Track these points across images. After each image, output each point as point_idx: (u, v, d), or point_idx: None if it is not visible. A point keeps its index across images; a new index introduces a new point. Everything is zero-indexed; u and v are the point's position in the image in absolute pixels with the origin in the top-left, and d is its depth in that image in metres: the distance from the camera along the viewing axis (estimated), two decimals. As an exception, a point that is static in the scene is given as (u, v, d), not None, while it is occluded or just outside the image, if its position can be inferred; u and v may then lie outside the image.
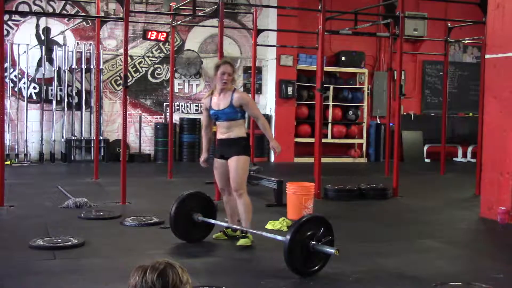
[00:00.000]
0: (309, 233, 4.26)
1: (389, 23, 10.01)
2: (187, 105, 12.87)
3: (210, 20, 10.63)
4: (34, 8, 11.70)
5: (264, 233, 4.88)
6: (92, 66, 11.80)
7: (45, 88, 11.76)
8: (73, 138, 11.76)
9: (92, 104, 11.83)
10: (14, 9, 11.04)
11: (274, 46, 12.11)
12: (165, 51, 12.49)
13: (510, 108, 6.61)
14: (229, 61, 5.24)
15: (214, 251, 5.05)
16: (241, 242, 5.00)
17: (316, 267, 4.34)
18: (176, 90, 12.27)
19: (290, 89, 12.88)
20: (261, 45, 11.20)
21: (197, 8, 8.71)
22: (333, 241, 4.38)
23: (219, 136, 5.23)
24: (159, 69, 12.65)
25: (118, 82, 12.27)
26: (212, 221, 5.29)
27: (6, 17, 10.46)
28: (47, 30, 11.86)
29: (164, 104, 12.51)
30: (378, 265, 4.77)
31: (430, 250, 5.37)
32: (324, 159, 9.23)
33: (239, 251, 5.00)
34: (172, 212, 5.20)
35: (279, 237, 4.30)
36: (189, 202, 5.28)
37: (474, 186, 8.74)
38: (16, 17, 11.57)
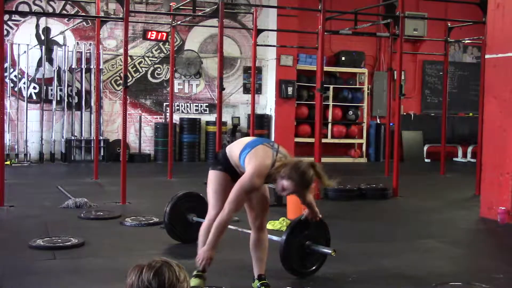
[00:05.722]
0: (305, 234, 4.25)
1: (389, 23, 10.01)
2: (187, 105, 12.87)
3: (210, 20, 10.63)
4: (34, 8, 11.69)
5: None
6: (92, 66, 11.80)
7: (45, 88, 11.76)
8: (73, 138, 11.75)
9: (92, 104, 11.83)
10: (14, 9, 11.03)
11: (274, 46, 12.11)
12: (165, 51, 12.48)
13: (510, 108, 6.61)
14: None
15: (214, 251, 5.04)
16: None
17: (313, 268, 4.33)
18: (176, 90, 12.27)
19: (290, 89, 12.88)
20: (261, 45, 11.21)
21: (197, 8, 8.71)
22: (329, 242, 4.38)
23: None
24: (159, 69, 12.65)
25: (118, 82, 12.27)
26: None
27: (6, 17, 10.46)
28: (47, 30, 11.86)
29: (164, 104, 12.51)
30: (378, 265, 4.77)
31: (430, 250, 5.37)
32: (324, 159, 9.23)
33: (238, 251, 5.00)
34: (167, 213, 5.18)
35: (274, 238, 4.29)
36: (183, 202, 5.26)
37: (474, 186, 8.74)
38: (16, 17, 11.56)
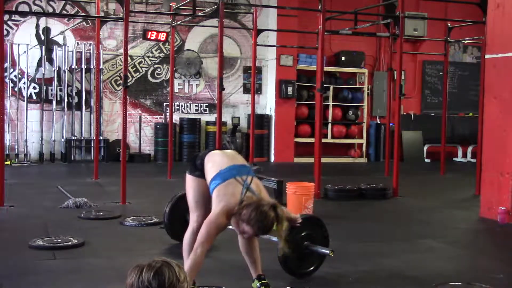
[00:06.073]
0: (303, 234, 4.25)
1: (389, 23, 10.01)
2: (187, 105, 12.87)
3: (210, 20, 10.62)
4: (34, 8, 11.69)
5: None
6: (92, 66, 11.80)
7: (45, 88, 11.76)
8: (73, 138, 11.75)
9: (92, 104, 11.83)
10: (14, 9, 11.04)
11: (274, 46, 12.12)
12: (165, 51, 12.48)
13: (510, 108, 6.61)
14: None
15: (213, 251, 5.02)
16: None
17: (311, 268, 4.33)
18: (176, 90, 12.27)
19: (290, 89, 12.88)
20: (261, 45, 11.20)
21: (197, 8, 8.70)
22: (328, 242, 4.38)
23: None
24: (159, 69, 12.65)
25: (118, 82, 12.27)
26: None
27: (6, 17, 10.47)
28: (47, 30, 11.86)
29: (164, 104, 12.51)
30: (378, 265, 4.77)
31: (430, 250, 5.37)
32: (324, 159, 9.23)
33: (237, 251, 5.00)
34: (166, 214, 5.18)
35: (273, 238, 4.29)
36: (182, 203, 5.24)
37: (474, 186, 8.74)
38: (16, 17, 11.56)
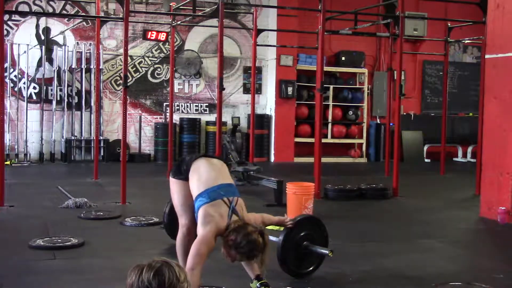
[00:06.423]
0: (302, 234, 4.25)
1: (389, 23, 10.01)
2: (187, 105, 12.87)
3: (210, 20, 10.62)
4: (34, 8, 11.69)
5: None
6: (92, 66, 11.80)
7: (45, 88, 11.76)
8: (73, 138, 11.76)
9: (92, 104, 11.83)
10: (14, 9, 11.04)
11: (274, 46, 12.12)
12: (165, 51, 12.49)
13: (510, 108, 6.61)
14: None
15: (212, 251, 5.03)
16: None
17: (310, 268, 4.33)
18: (176, 90, 12.27)
19: (290, 89, 12.88)
20: (261, 45, 11.21)
21: (197, 8, 8.70)
22: (327, 242, 4.38)
23: None
24: (159, 69, 12.65)
25: (118, 82, 12.27)
26: None
27: (6, 17, 10.47)
28: (47, 30, 11.86)
29: (164, 104, 12.51)
30: (378, 265, 4.77)
31: (430, 250, 5.37)
32: (324, 159, 9.23)
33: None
34: (166, 214, 5.18)
35: (272, 238, 4.29)
36: None
37: (474, 186, 8.74)
38: (16, 17, 11.56)
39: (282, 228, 5.65)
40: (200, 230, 3.66)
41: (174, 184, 4.06)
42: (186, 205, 3.97)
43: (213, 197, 3.73)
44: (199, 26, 12.54)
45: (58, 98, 11.79)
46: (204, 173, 3.88)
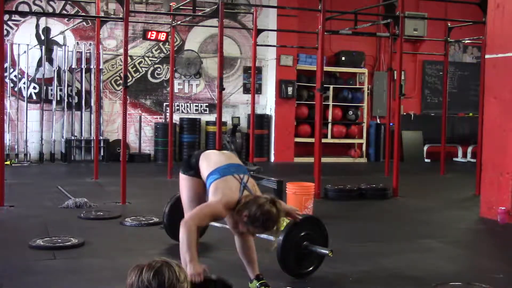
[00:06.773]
0: (302, 234, 4.25)
1: (389, 23, 10.00)
2: (187, 105, 12.87)
3: (210, 20, 10.62)
4: (34, 8, 11.69)
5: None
6: (92, 66, 11.80)
7: (45, 88, 11.76)
8: (73, 138, 11.75)
9: (92, 104, 11.83)
10: (14, 9, 11.03)
11: (274, 46, 12.12)
12: (165, 51, 12.49)
13: (510, 108, 6.61)
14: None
15: (212, 251, 5.04)
16: None
17: (310, 268, 4.33)
18: (176, 90, 12.27)
19: (290, 89, 12.88)
20: (261, 45, 11.21)
21: (197, 8, 8.70)
22: (327, 242, 4.37)
23: None
24: (159, 69, 12.65)
25: (118, 82, 12.27)
26: None
27: (6, 17, 10.46)
28: (47, 30, 11.86)
29: (164, 104, 12.51)
30: (378, 265, 4.77)
31: (430, 250, 5.37)
32: (324, 159, 9.23)
33: (237, 251, 4.99)
34: (166, 214, 5.17)
35: (272, 238, 4.29)
36: (181, 203, 5.23)
37: (474, 186, 8.74)
38: (16, 17, 11.56)
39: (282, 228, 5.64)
40: (211, 199, 3.64)
41: (184, 180, 4.03)
42: (195, 201, 3.92)
43: (223, 173, 3.72)
44: (199, 26, 12.54)
45: (58, 98, 11.78)
46: (214, 158, 3.89)
